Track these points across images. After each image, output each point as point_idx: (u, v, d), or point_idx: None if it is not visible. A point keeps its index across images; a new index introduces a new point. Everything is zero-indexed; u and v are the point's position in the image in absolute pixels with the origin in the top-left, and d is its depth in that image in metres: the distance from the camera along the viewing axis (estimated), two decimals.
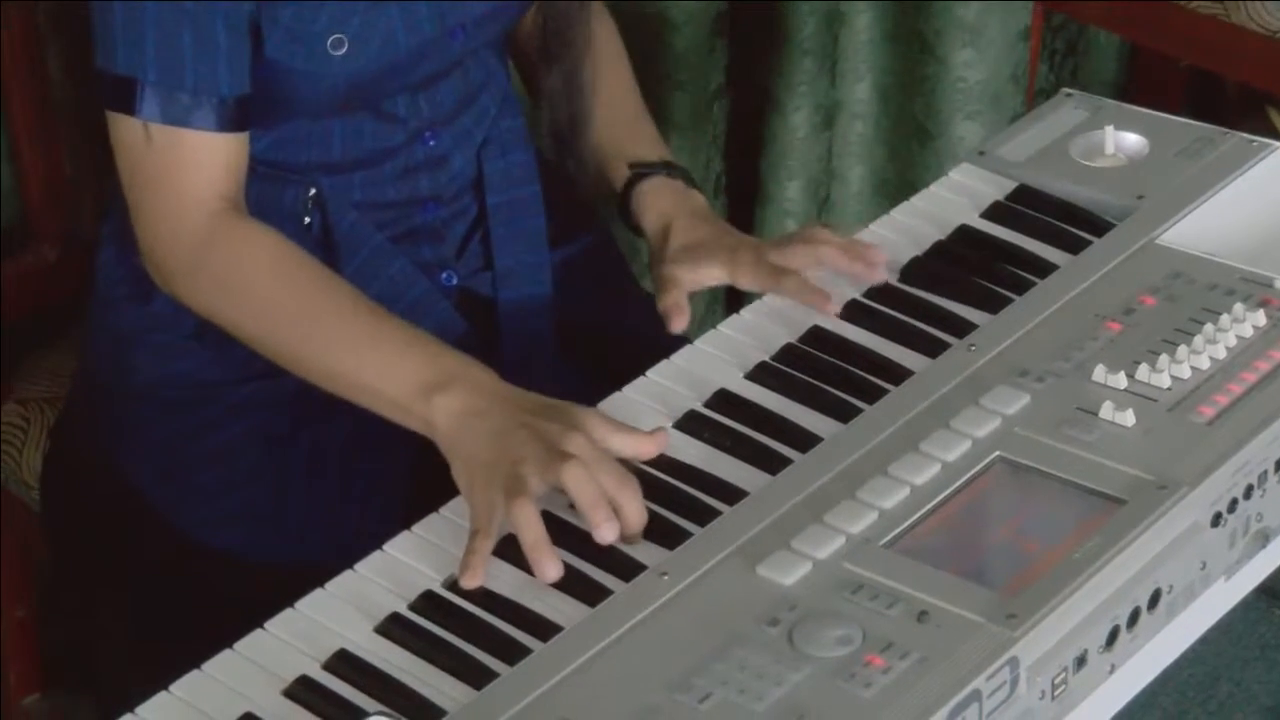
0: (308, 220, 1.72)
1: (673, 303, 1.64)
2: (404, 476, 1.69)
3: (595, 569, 1.39)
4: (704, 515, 1.42)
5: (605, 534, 1.40)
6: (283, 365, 1.65)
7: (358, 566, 1.41)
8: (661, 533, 1.41)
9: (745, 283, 1.64)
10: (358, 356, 1.60)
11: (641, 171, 1.77)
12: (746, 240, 1.68)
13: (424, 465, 1.67)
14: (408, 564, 1.41)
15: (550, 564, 1.39)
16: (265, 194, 1.71)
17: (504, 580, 1.39)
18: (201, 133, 1.63)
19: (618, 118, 1.83)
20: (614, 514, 1.41)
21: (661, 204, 1.75)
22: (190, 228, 1.64)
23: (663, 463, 1.48)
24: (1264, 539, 1.42)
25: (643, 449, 1.48)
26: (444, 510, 1.45)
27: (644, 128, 1.84)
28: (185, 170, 1.64)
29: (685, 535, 1.40)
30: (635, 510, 1.42)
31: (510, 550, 1.41)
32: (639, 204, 1.76)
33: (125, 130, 1.64)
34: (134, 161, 1.65)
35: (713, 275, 1.67)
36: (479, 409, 1.52)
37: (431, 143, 1.76)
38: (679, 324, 1.63)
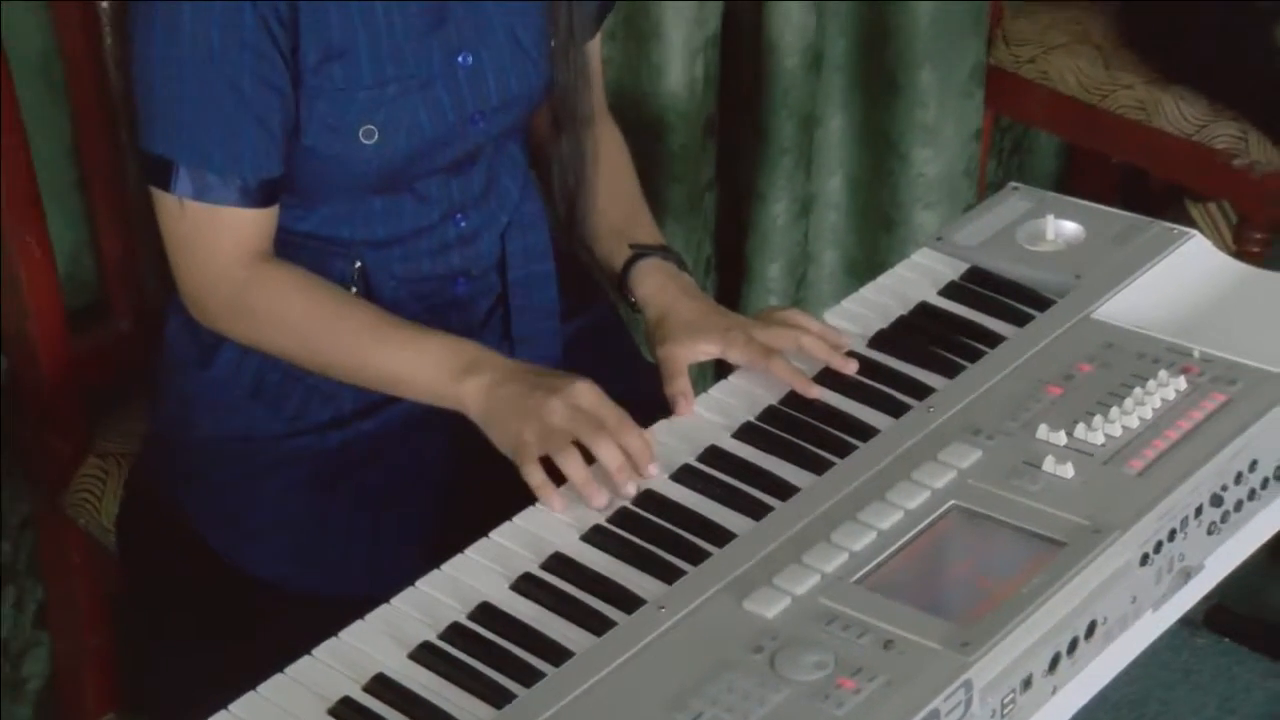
0: (354, 290, 1.72)
1: (679, 390, 1.63)
2: (433, 518, 1.69)
3: (600, 602, 1.39)
4: (697, 555, 1.42)
5: (629, 490, 1.49)
6: (325, 374, 1.67)
7: (394, 600, 1.41)
8: (659, 570, 1.41)
9: (735, 359, 1.64)
10: (390, 354, 1.63)
11: (639, 253, 1.78)
12: (736, 319, 1.68)
13: (451, 509, 1.67)
14: (437, 598, 1.41)
15: (596, 495, 1.49)
16: (316, 266, 1.71)
17: (522, 611, 1.39)
18: (230, 208, 1.63)
19: (620, 208, 1.83)
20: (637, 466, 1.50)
21: (657, 283, 1.75)
22: (226, 281, 1.66)
23: (661, 509, 1.48)
24: (1186, 576, 1.41)
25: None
26: (469, 551, 1.45)
27: (642, 217, 1.84)
28: (218, 237, 1.65)
29: (680, 573, 1.40)
30: (639, 445, 1.51)
31: (525, 586, 1.41)
32: (636, 282, 1.76)
33: (163, 202, 1.65)
34: (171, 229, 1.66)
35: (707, 352, 1.66)
36: (500, 382, 1.58)
37: (462, 223, 1.76)
38: (685, 410, 1.61)
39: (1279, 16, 2.24)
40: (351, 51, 1.64)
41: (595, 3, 1.82)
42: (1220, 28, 2.47)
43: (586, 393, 1.55)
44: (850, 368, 1.60)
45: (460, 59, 1.69)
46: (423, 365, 1.62)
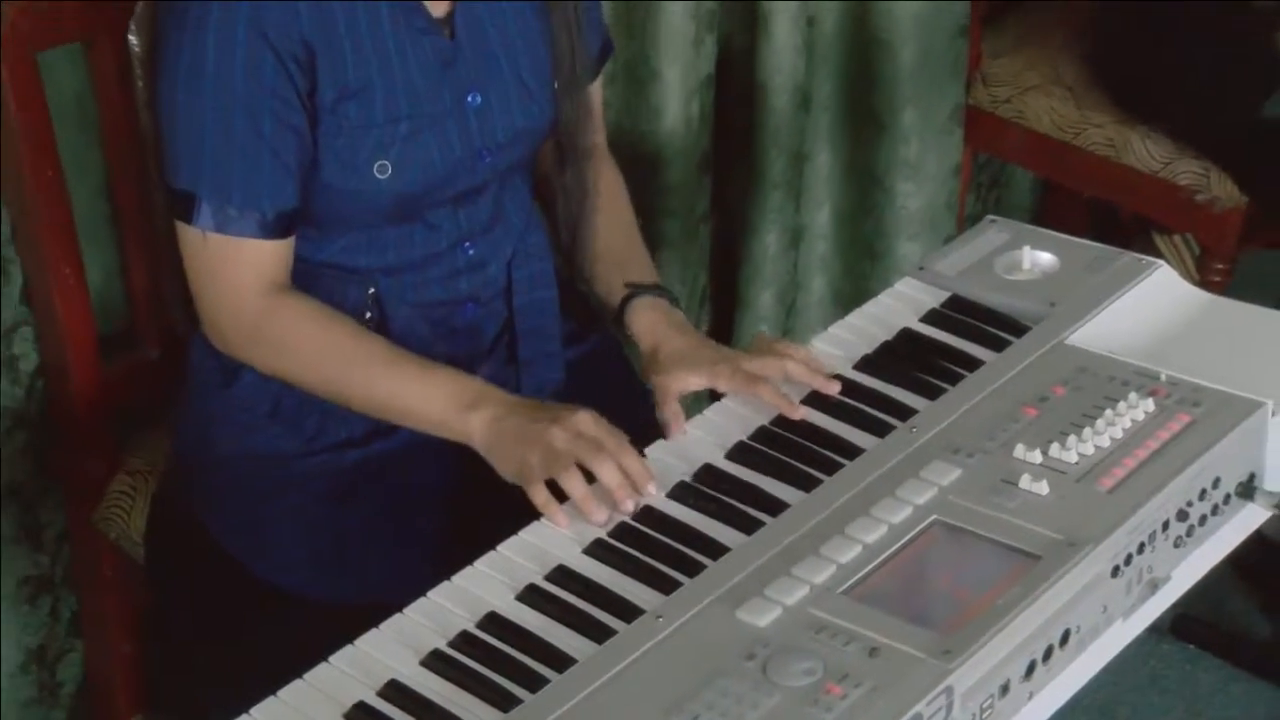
0: (368, 314, 1.72)
1: (671, 414, 1.63)
2: (444, 532, 1.69)
3: (602, 612, 1.39)
4: (693, 568, 1.41)
5: (630, 507, 1.49)
6: (337, 402, 1.67)
7: (406, 610, 1.40)
8: (657, 581, 1.41)
9: (724, 388, 1.64)
10: (400, 387, 1.64)
11: (635, 291, 1.78)
12: (724, 353, 1.68)
13: (460, 523, 1.67)
14: (448, 608, 1.41)
15: (596, 510, 1.48)
16: (333, 292, 1.71)
17: (528, 620, 1.39)
18: (249, 239, 1.63)
19: (617, 246, 1.83)
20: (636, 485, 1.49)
21: (650, 320, 1.74)
22: (246, 310, 1.66)
23: (659, 524, 1.48)
24: (1154, 586, 1.41)
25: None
26: (478, 564, 1.45)
27: (639, 255, 1.84)
28: (238, 268, 1.65)
29: (677, 584, 1.39)
30: (638, 465, 1.51)
31: (531, 596, 1.41)
32: (632, 319, 1.76)
33: (186, 234, 1.65)
34: (194, 260, 1.67)
35: (697, 382, 1.66)
36: (504, 415, 1.58)
37: (470, 251, 1.76)
38: (676, 432, 1.61)
39: (1236, 63, 2.24)
40: (366, 92, 1.64)
41: (597, 47, 1.82)
42: (1184, 73, 2.47)
43: (586, 420, 1.54)
44: (833, 388, 1.60)
45: (469, 98, 1.70)
46: (431, 399, 1.62)
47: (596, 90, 1.86)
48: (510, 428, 1.57)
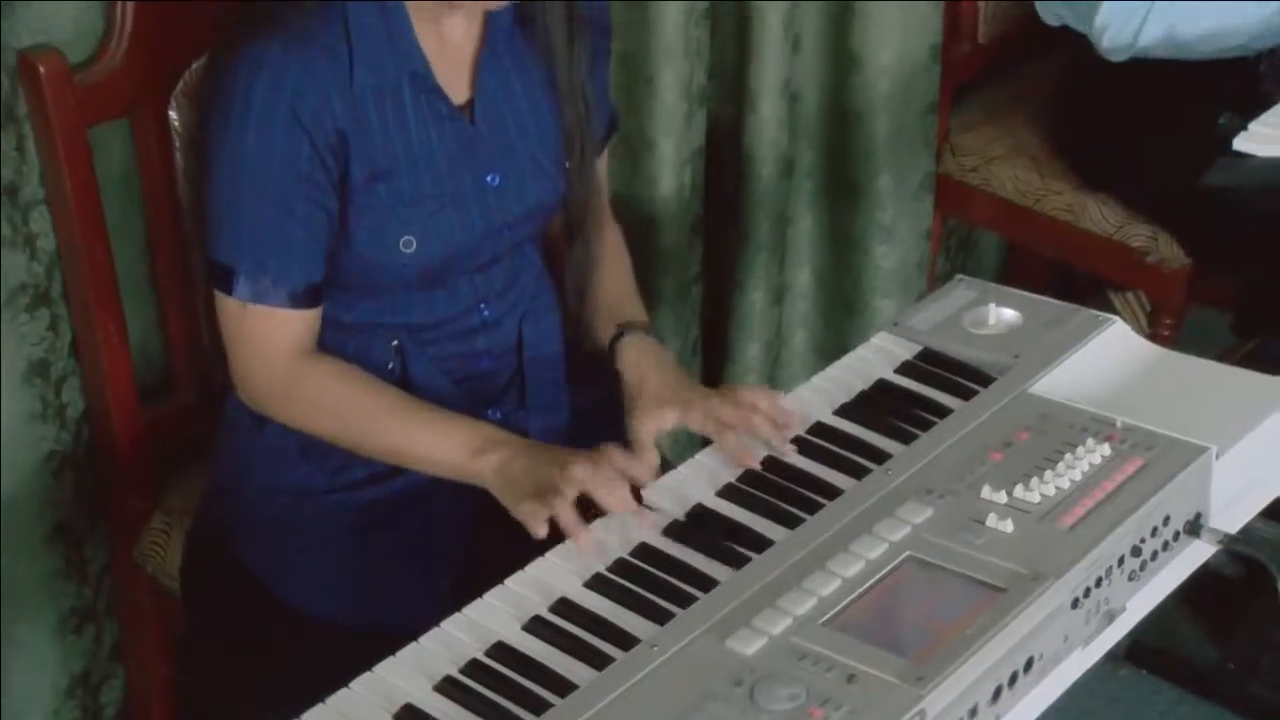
0: (391, 366, 1.72)
1: (643, 458, 1.60)
2: (458, 563, 1.69)
3: (601, 641, 1.38)
4: (685, 600, 1.40)
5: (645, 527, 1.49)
6: (360, 453, 1.67)
7: (421, 639, 1.40)
8: (652, 613, 1.40)
9: (694, 428, 1.63)
10: (416, 437, 1.63)
11: (624, 329, 1.77)
12: (700, 392, 1.67)
13: (473, 556, 1.67)
14: (459, 637, 1.40)
15: (587, 545, 1.47)
16: (360, 347, 1.72)
17: (533, 649, 1.38)
18: (281, 309, 1.63)
19: (614, 294, 1.83)
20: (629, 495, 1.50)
21: (635, 356, 1.74)
22: (277, 372, 1.67)
23: (654, 559, 1.47)
24: (1110, 617, 1.40)
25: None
26: (487, 596, 1.44)
27: (632, 301, 1.84)
28: (270, 335, 1.65)
29: (670, 616, 1.39)
30: (623, 502, 1.50)
31: (536, 627, 1.40)
32: (620, 354, 1.75)
33: (224, 303, 1.66)
34: (230, 326, 1.67)
35: (672, 419, 1.65)
36: (513, 458, 1.58)
37: (486, 312, 1.76)
38: (646, 475, 1.58)
39: (1180, 140, 2.25)
40: (394, 174, 1.65)
41: (604, 124, 1.83)
42: (1135, 147, 2.48)
43: (584, 464, 1.53)
44: (787, 449, 1.58)
45: (489, 179, 1.70)
46: (445, 446, 1.62)
47: (603, 164, 1.86)
48: (518, 470, 1.57)
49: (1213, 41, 2.34)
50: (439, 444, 1.62)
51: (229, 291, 1.64)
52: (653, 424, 1.65)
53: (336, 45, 1.60)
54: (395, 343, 1.73)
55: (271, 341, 1.66)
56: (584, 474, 1.51)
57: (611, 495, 1.50)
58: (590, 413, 1.81)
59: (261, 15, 1.59)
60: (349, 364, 1.69)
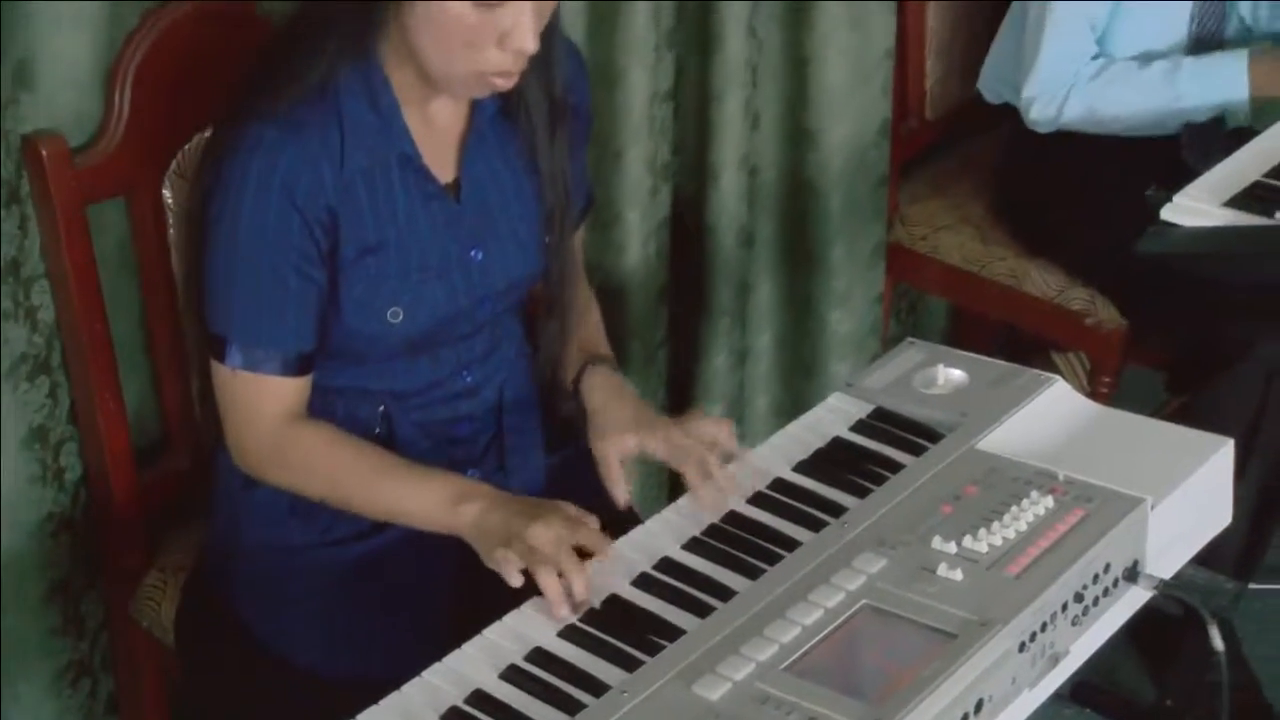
0: (378, 430, 1.72)
1: (613, 480, 1.63)
2: (442, 614, 1.68)
3: (574, 688, 1.38)
4: (653, 649, 1.40)
5: (561, 614, 1.46)
6: (347, 510, 1.66)
7: (404, 687, 1.39)
8: (622, 661, 1.40)
9: (653, 453, 1.64)
10: (398, 494, 1.63)
11: (590, 361, 1.77)
12: (659, 421, 1.67)
13: (454, 607, 1.66)
14: (440, 685, 1.39)
15: (561, 608, 1.45)
16: (348, 411, 1.72)
17: (509, 696, 1.38)
18: (273, 377, 1.63)
19: (585, 336, 1.84)
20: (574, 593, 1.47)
21: (598, 386, 1.74)
22: (267, 437, 1.66)
23: (623, 610, 1.47)
24: (1055, 659, 1.40)
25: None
26: (466, 646, 1.44)
27: (601, 343, 1.84)
28: (262, 401, 1.65)
29: (639, 663, 1.38)
30: (581, 586, 1.47)
31: (512, 675, 1.40)
32: (585, 385, 1.75)
33: (219, 371, 1.66)
34: (224, 393, 1.67)
35: (633, 444, 1.66)
36: (489, 510, 1.57)
37: (468, 379, 1.76)
38: (621, 496, 1.62)
39: (1114, 210, 2.27)
40: (383, 249, 1.65)
41: (582, 202, 1.84)
42: (1073, 217, 2.51)
43: (556, 523, 1.52)
44: (742, 494, 1.59)
45: (473, 254, 1.70)
46: (424, 500, 1.61)
47: (579, 234, 1.87)
48: (493, 522, 1.56)
49: (1126, 122, 2.40)
50: (420, 499, 1.62)
51: (222, 360, 1.64)
52: (616, 449, 1.65)
53: (329, 129, 1.61)
54: (382, 408, 1.73)
55: (263, 408, 1.65)
56: (551, 548, 1.50)
57: (552, 583, 1.48)
58: (563, 471, 1.81)
59: (259, 100, 1.59)
60: (335, 428, 1.68)
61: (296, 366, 1.65)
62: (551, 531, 1.51)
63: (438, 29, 1.55)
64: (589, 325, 1.86)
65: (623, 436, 1.66)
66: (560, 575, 1.47)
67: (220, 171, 1.60)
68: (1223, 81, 2.33)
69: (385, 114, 1.63)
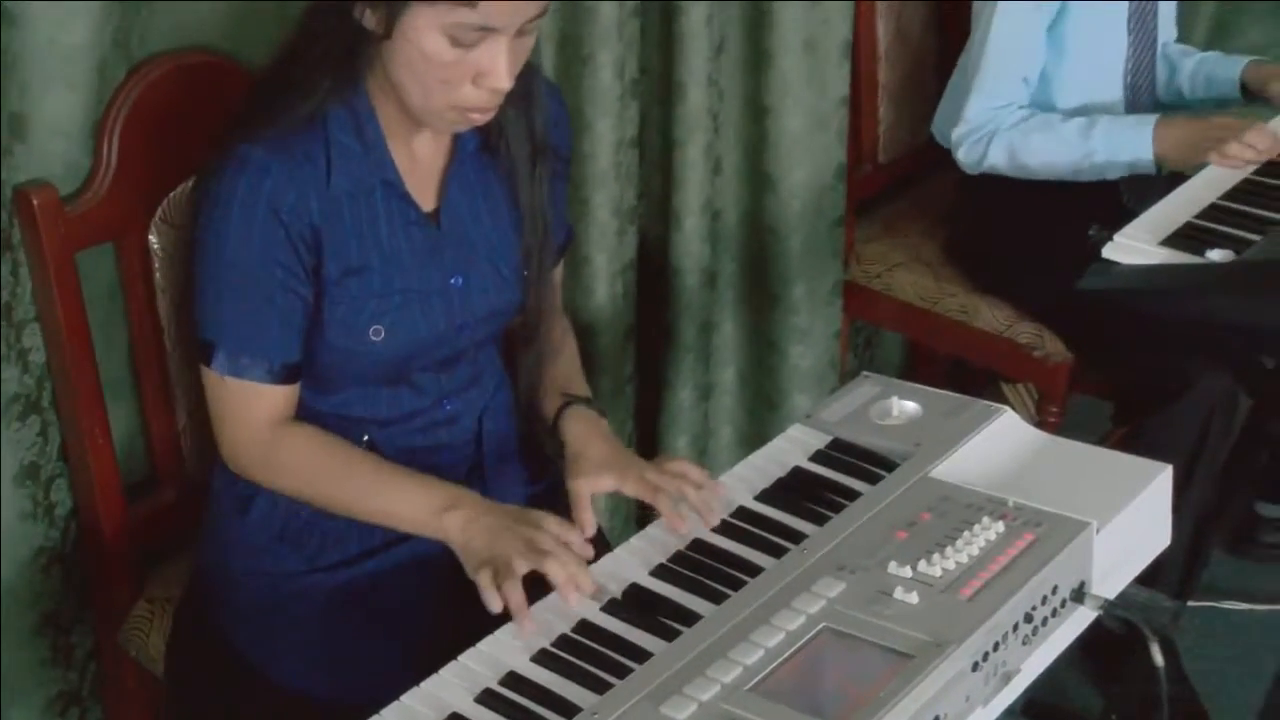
0: None
1: (582, 510, 1.63)
2: (425, 639, 1.66)
3: (547, 710, 1.37)
4: (621, 671, 1.40)
5: (573, 600, 1.48)
6: (336, 513, 1.66)
7: (383, 712, 1.38)
8: (593, 683, 1.39)
9: (629, 492, 1.64)
10: (386, 496, 1.62)
11: (568, 401, 1.77)
12: (635, 461, 1.68)
13: (435, 632, 1.65)
14: (417, 709, 1.39)
15: (528, 624, 1.45)
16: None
17: (484, 719, 1.37)
18: (259, 384, 1.63)
19: (563, 373, 1.83)
20: (578, 585, 1.48)
21: (577, 426, 1.74)
22: (257, 441, 1.66)
23: (594, 634, 1.46)
24: (1007, 678, 1.40)
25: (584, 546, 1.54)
26: (443, 671, 1.43)
27: (578, 380, 1.84)
28: (249, 408, 1.65)
29: (609, 685, 1.38)
30: (586, 581, 1.49)
31: (487, 699, 1.39)
32: (563, 425, 1.75)
33: (207, 377, 1.66)
34: (213, 399, 1.67)
35: (609, 484, 1.65)
36: (476, 518, 1.57)
37: (449, 408, 1.76)
38: (589, 528, 1.61)
39: (1057, 249, 2.29)
40: (366, 270, 1.65)
41: (561, 238, 1.84)
42: (1019, 256, 2.52)
43: (545, 532, 1.53)
44: (714, 518, 1.59)
45: (453, 280, 1.70)
46: (412, 504, 1.61)
47: (558, 270, 1.87)
48: (479, 530, 1.56)
49: (1044, 170, 2.43)
50: (409, 504, 1.62)
51: (209, 364, 1.64)
52: (590, 487, 1.65)
53: (316, 154, 1.61)
54: (366, 437, 1.72)
55: (252, 414, 1.65)
56: (543, 546, 1.51)
57: (561, 570, 1.50)
58: (542, 501, 1.81)
59: (250, 124, 1.60)
60: (326, 432, 1.68)
61: (281, 375, 1.65)
62: (547, 533, 1.52)
63: (416, 66, 1.56)
64: (567, 362, 1.85)
65: (599, 476, 1.65)
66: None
67: (210, 187, 1.61)
68: (1131, 142, 2.38)
69: (370, 143, 1.64)
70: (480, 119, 1.61)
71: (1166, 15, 2.56)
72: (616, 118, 2.33)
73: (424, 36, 1.53)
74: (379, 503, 1.63)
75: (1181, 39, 2.68)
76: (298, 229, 1.60)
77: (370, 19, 1.55)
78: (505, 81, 1.56)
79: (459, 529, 1.57)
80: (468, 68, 1.55)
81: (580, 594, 1.49)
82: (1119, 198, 2.40)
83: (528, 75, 1.65)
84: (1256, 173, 2.29)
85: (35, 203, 1.75)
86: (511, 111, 1.67)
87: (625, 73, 2.32)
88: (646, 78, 2.43)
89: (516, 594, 1.48)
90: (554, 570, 1.49)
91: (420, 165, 1.69)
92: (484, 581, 1.50)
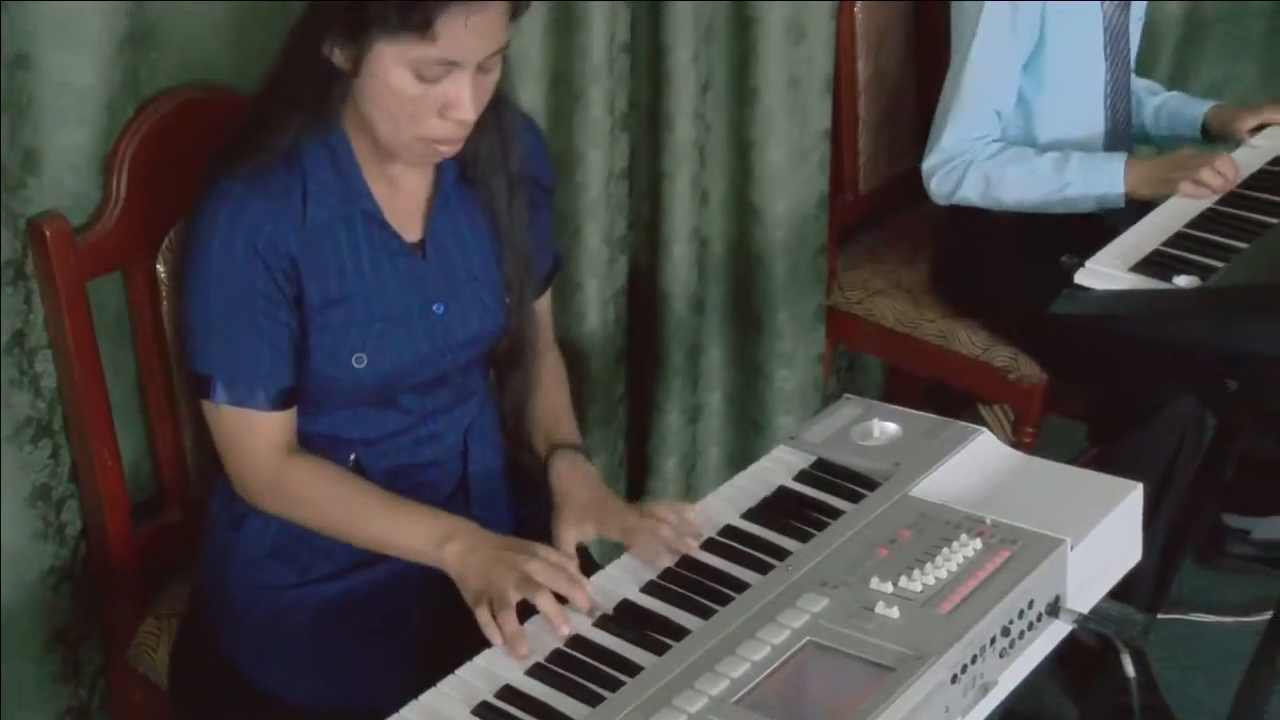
0: None
1: (567, 560, 1.59)
2: (419, 648, 1.67)
3: None
4: (613, 685, 1.39)
5: (564, 630, 1.46)
6: (340, 539, 1.66)
7: None
8: (585, 697, 1.39)
9: (610, 536, 1.63)
10: (388, 526, 1.63)
11: (555, 448, 1.77)
12: (618, 506, 1.67)
13: (429, 645, 1.65)
14: None
15: (522, 647, 1.44)
16: (323, 457, 1.70)
17: None
18: (256, 411, 1.62)
19: (551, 416, 1.83)
20: (566, 617, 1.46)
21: (564, 472, 1.74)
22: (262, 468, 1.66)
23: (586, 649, 1.46)
24: (985, 690, 1.40)
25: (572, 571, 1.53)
26: (440, 685, 1.42)
27: (566, 422, 1.84)
28: (251, 435, 1.65)
29: (601, 699, 1.37)
30: (583, 598, 1.49)
31: (483, 712, 1.38)
32: (551, 471, 1.75)
33: (207, 408, 1.66)
34: (215, 429, 1.67)
35: (592, 531, 1.65)
36: (473, 548, 1.57)
37: (433, 426, 1.76)
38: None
39: (1031, 276, 2.29)
40: (347, 300, 1.65)
41: (548, 265, 1.84)
42: (995, 282, 2.53)
43: (538, 563, 1.52)
44: (690, 549, 1.57)
45: (435, 308, 1.70)
46: (413, 534, 1.61)
47: (546, 298, 1.87)
48: (475, 561, 1.56)
49: (1017, 203, 2.45)
50: (408, 533, 1.62)
51: (208, 397, 1.63)
52: (574, 532, 1.65)
53: (292, 187, 1.61)
54: (353, 456, 1.72)
55: (255, 443, 1.65)
56: (536, 574, 1.50)
57: (551, 605, 1.49)
58: (530, 523, 1.80)
59: (229, 159, 1.61)
60: (329, 463, 1.68)
61: (279, 401, 1.65)
62: (540, 561, 1.51)
63: (384, 101, 1.57)
64: (556, 400, 1.85)
65: (582, 521, 1.65)
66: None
67: (193, 223, 1.62)
68: (1103, 176, 2.40)
69: (346, 175, 1.64)
70: (448, 150, 1.62)
71: (1135, 34, 2.58)
72: (607, 150, 2.33)
73: (390, 72, 1.54)
74: (381, 533, 1.63)
75: (1142, 75, 2.70)
76: (275, 261, 1.60)
77: (339, 57, 1.56)
78: (470, 113, 1.57)
79: (456, 559, 1.57)
80: (433, 101, 1.56)
81: (576, 615, 1.48)
82: (1089, 227, 2.41)
83: (500, 107, 1.65)
84: (1219, 203, 2.31)
85: (48, 234, 1.75)
86: (486, 143, 1.68)
87: (615, 107, 2.33)
88: (636, 112, 2.43)
89: (510, 624, 1.47)
90: (545, 604, 1.48)
91: (403, 195, 1.69)
92: (483, 619, 1.49)
